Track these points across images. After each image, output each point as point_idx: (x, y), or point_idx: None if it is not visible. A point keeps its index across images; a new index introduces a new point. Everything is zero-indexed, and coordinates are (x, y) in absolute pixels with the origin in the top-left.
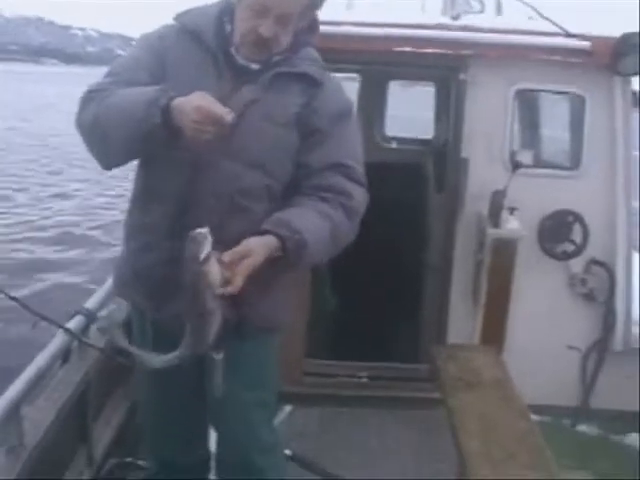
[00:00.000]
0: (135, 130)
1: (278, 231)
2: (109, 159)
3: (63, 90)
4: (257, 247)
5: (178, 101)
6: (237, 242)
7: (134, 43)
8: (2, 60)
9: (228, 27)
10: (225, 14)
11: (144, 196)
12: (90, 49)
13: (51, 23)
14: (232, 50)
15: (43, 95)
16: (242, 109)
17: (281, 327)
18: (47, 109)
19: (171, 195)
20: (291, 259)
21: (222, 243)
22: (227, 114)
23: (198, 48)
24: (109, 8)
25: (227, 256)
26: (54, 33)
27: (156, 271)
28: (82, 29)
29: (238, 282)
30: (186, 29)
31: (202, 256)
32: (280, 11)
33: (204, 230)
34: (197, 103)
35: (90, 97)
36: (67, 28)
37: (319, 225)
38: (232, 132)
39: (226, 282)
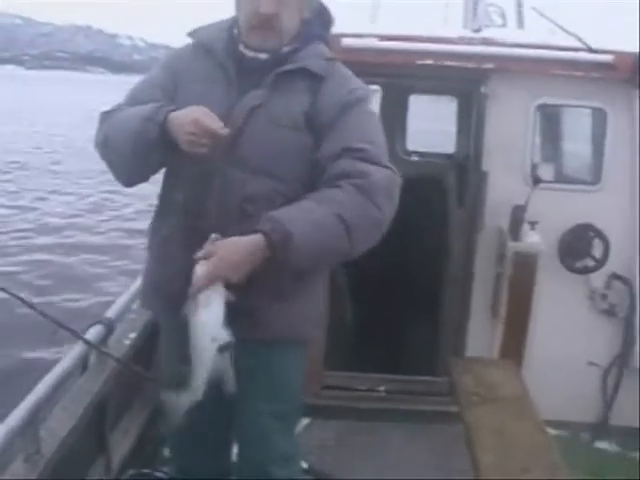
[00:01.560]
0: (136, 145)
1: (261, 227)
2: (124, 176)
3: (112, 99)
4: (231, 242)
5: (174, 114)
6: None
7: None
8: (51, 68)
9: (236, 31)
10: (235, 24)
11: (160, 208)
12: (137, 57)
13: (99, 31)
14: (240, 47)
15: (92, 103)
16: (246, 116)
17: (304, 339)
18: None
19: (182, 206)
20: (278, 254)
21: None
22: (221, 128)
23: (210, 61)
24: (156, 18)
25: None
26: (102, 41)
27: (174, 283)
28: (130, 37)
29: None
30: (200, 44)
31: (193, 288)
32: None
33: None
34: (194, 116)
35: (103, 118)
36: (114, 37)
37: (313, 212)
38: (237, 140)
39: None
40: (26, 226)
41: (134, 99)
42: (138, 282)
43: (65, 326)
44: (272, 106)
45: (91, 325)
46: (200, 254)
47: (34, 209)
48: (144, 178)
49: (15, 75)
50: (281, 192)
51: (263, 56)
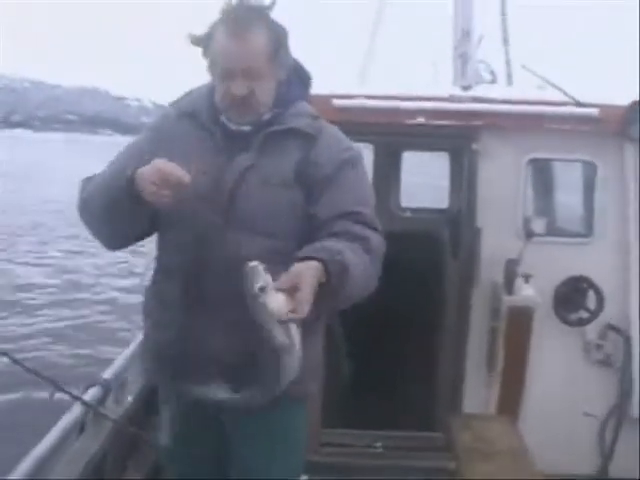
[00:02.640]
0: (105, 199)
1: (319, 255)
2: (104, 237)
3: None
4: (306, 269)
5: (141, 169)
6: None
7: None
8: (59, 130)
9: (216, 99)
10: (214, 89)
11: (157, 273)
12: (144, 119)
13: (106, 93)
14: (223, 119)
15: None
16: (238, 178)
17: (306, 395)
18: None
19: (180, 270)
20: (334, 283)
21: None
22: (184, 176)
23: (194, 127)
24: (164, 80)
25: (283, 282)
26: (109, 103)
27: (174, 349)
28: (138, 100)
29: (304, 308)
30: (183, 112)
31: (256, 288)
32: (243, 67)
33: (254, 263)
34: (157, 166)
35: (83, 184)
36: (122, 99)
37: (352, 251)
38: (231, 203)
39: (291, 311)
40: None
41: (113, 166)
42: (135, 343)
43: (63, 389)
44: (262, 166)
45: (89, 386)
46: (282, 285)
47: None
48: (124, 239)
49: (24, 138)
50: (277, 249)
51: (246, 128)
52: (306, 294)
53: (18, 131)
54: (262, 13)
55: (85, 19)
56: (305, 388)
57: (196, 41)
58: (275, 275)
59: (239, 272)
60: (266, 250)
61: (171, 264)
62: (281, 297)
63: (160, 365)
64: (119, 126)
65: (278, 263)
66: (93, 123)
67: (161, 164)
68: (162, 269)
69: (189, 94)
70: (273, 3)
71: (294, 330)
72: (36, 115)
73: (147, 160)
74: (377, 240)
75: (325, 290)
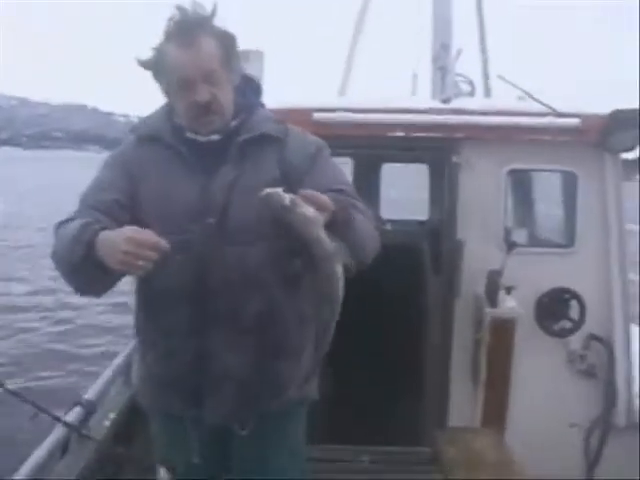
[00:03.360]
0: (69, 265)
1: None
2: (76, 289)
3: None
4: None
5: (105, 234)
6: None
7: (99, 168)
8: (48, 147)
9: (176, 119)
10: (172, 110)
11: (154, 301)
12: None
13: (94, 110)
14: (189, 134)
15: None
16: (227, 192)
17: (308, 399)
18: None
19: (184, 294)
20: (342, 218)
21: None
22: (161, 241)
23: (160, 150)
24: (154, 95)
25: (301, 196)
26: (97, 119)
27: (187, 374)
28: (125, 115)
29: (330, 206)
30: (145, 137)
31: (288, 201)
32: (201, 72)
33: (270, 189)
34: (128, 234)
35: (55, 230)
36: (110, 115)
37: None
38: (224, 218)
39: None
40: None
41: (85, 204)
42: (117, 362)
43: (45, 410)
44: (246, 176)
45: (71, 407)
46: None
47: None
48: (97, 291)
49: (14, 156)
50: (280, 249)
51: (215, 137)
52: (325, 199)
53: (6, 149)
54: (206, 22)
55: (72, 35)
56: (306, 391)
57: (145, 64)
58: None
59: (246, 282)
60: (266, 258)
61: (172, 289)
62: (309, 207)
63: (174, 395)
64: (106, 142)
65: (280, 267)
66: (80, 139)
67: (132, 232)
68: (158, 298)
69: (147, 119)
70: (214, 12)
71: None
72: (24, 133)
73: (129, 197)
74: (365, 208)
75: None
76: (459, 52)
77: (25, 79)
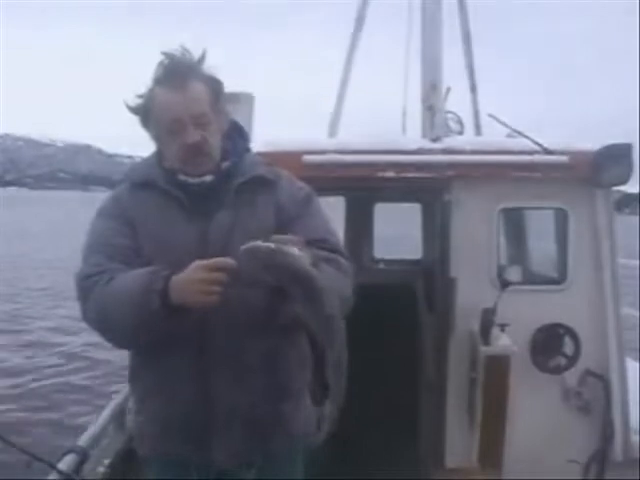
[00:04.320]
0: (137, 320)
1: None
2: (125, 346)
3: None
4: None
5: (176, 278)
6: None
7: (93, 219)
8: (53, 188)
9: (167, 164)
10: (160, 156)
11: (153, 346)
12: None
13: (99, 151)
14: (181, 177)
15: None
16: (225, 237)
17: (310, 442)
18: None
19: (185, 339)
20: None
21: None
22: (227, 260)
23: (155, 195)
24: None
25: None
26: (101, 161)
27: (192, 416)
28: (130, 157)
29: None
30: (138, 184)
31: (273, 246)
32: (190, 114)
33: (251, 243)
34: (196, 264)
35: (85, 288)
36: (113, 156)
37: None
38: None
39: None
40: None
41: (103, 256)
42: (110, 407)
43: (39, 457)
44: (243, 221)
45: (64, 454)
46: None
47: None
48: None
49: (19, 197)
50: (278, 291)
51: (207, 178)
52: (296, 238)
53: (12, 189)
54: (195, 67)
55: (76, 77)
56: (304, 434)
57: (135, 109)
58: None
59: (248, 323)
60: (264, 300)
61: (171, 335)
62: (289, 246)
63: (179, 440)
64: (112, 183)
65: (280, 301)
66: (86, 180)
67: (198, 262)
68: (158, 342)
69: (138, 166)
70: (203, 57)
71: None
72: (30, 174)
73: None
74: (345, 263)
75: None
76: (448, 90)
77: (31, 120)
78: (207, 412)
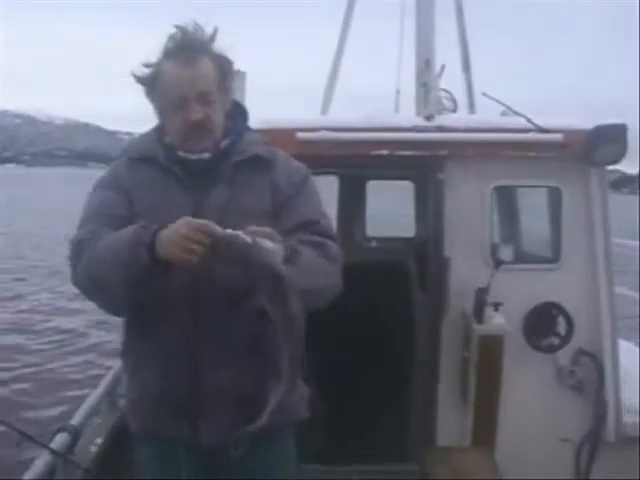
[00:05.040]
0: (127, 276)
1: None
2: (116, 309)
3: None
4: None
5: (163, 232)
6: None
7: (90, 192)
8: (50, 165)
9: (167, 139)
10: (161, 131)
11: (145, 319)
12: None
13: (98, 129)
14: (180, 153)
15: None
16: (219, 214)
17: (297, 420)
18: None
19: (175, 311)
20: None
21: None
22: (211, 224)
23: (153, 171)
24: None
25: (250, 232)
26: (101, 138)
27: (180, 393)
28: (129, 133)
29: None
30: (138, 158)
31: (248, 240)
32: (197, 91)
33: (230, 231)
34: (183, 220)
35: (76, 252)
36: (114, 133)
37: (307, 250)
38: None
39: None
40: None
41: (97, 223)
42: (102, 386)
43: (30, 436)
44: (239, 199)
45: (55, 433)
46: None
47: None
48: (133, 304)
49: (16, 174)
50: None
51: (206, 155)
52: (270, 230)
53: (10, 166)
54: (205, 44)
55: (76, 52)
56: (297, 413)
57: (141, 79)
58: None
59: (236, 301)
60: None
61: (162, 309)
62: (265, 240)
63: (164, 413)
64: (109, 160)
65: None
66: (83, 157)
67: (187, 219)
68: (149, 315)
69: (137, 140)
70: (214, 35)
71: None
72: (27, 151)
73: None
74: (334, 247)
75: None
76: (442, 68)
77: (30, 97)
78: (195, 389)
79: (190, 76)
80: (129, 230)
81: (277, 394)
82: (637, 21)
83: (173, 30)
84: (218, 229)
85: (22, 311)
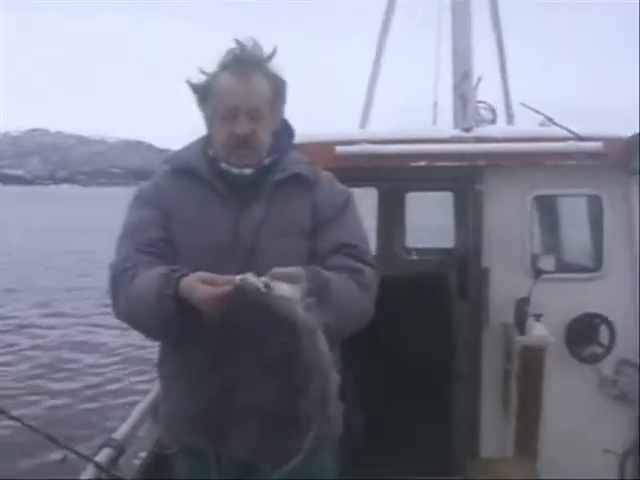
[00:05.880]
0: (158, 321)
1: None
2: (155, 340)
3: None
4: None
5: (186, 283)
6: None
7: (131, 204)
8: (106, 185)
9: (211, 151)
10: (206, 143)
11: (177, 340)
12: None
13: (149, 146)
14: (223, 165)
15: None
16: (256, 230)
17: (337, 436)
18: None
19: (208, 327)
20: (313, 289)
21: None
22: (232, 280)
23: (195, 183)
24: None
25: (270, 275)
26: (152, 156)
27: (210, 408)
28: None
29: (298, 273)
30: (182, 169)
31: (263, 286)
32: (248, 106)
33: (242, 277)
34: (196, 276)
35: (114, 289)
36: (164, 151)
37: (340, 279)
38: (251, 255)
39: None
40: None
41: (134, 246)
42: (145, 401)
43: (75, 450)
44: (276, 217)
45: (101, 447)
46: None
47: None
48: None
49: (72, 194)
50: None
51: (248, 171)
52: (293, 272)
53: (65, 187)
54: (262, 62)
55: (129, 73)
56: (334, 429)
57: (195, 88)
58: None
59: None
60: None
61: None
62: (282, 284)
63: (195, 427)
64: None
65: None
66: (137, 176)
67: (200, 274)
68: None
69: (181, 152)
70: (273, 54)
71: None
72: (82, 171)
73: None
74: (370, 274)
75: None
76: (479, 79)
77: (82, 117)
78: (225, 404)
79: (243, 90)
80: (154, 279)
81: (310, 429)
82: None
83: (232, 45)
84: (229, 278)
85: None
